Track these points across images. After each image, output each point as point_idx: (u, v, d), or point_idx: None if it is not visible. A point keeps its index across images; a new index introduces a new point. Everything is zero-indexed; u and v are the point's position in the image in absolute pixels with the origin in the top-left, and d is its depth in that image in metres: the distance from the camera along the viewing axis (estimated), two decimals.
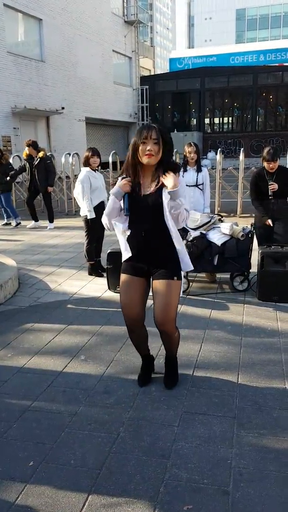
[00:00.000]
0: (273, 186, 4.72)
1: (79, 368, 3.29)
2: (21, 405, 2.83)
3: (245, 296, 4.75)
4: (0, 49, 17.34)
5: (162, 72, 51.00)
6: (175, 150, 9.58)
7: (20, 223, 9.56)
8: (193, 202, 5.33)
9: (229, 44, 52.23)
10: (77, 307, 4.58)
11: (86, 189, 5.35)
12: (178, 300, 2.85)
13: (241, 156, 10.30)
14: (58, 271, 5.91)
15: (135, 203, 2.68)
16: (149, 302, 2.93)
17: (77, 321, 4.21)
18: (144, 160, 2.62)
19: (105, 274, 5.18)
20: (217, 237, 4.76)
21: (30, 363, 3.39)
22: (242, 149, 10.95)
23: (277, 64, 30.98)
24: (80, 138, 22.65)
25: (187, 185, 5.13)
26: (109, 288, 5.03)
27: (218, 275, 5.32)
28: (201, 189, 5.45)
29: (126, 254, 2.85)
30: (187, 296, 4.74)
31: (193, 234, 4.79)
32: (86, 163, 5.48)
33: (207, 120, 31.34)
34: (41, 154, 8.71)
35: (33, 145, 8.73)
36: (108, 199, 2.86)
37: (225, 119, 31.27)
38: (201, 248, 4.72)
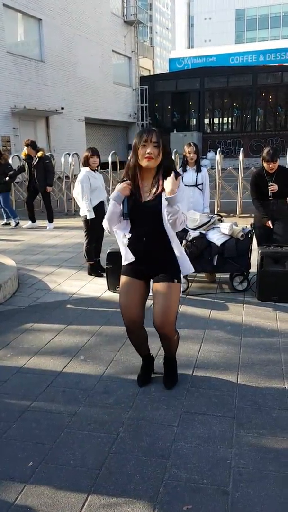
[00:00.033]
0: (273, 187, 4.72)
1: (79, 368, 3.29)
2: (20, 405, 2.83)
3: (245, 296, 4.75)
4: (0, 49, 17.33)
5: (161, 72, 50.95)
6: (174, 150, 9.68)
7: (19, 223, 9.57)
8: (192, 202, 5.34)
9: (229, 44, 52.28)
10: (76, 307, 4.58)
11: (86, 189, 5.35)
12: (178, 303, 2.84)
13: (241, 156, 10.31)
14: (58, 271, 5.91)
15: (135, 208, 2.67)
16: (149, 302, 2.93)
17: (77, 321, 4.21)
18: (144, 163, 2.61)
19: (104, 274, 5.18)
20: (216, 237, 4.76)
21: (29, 363, 3.38)
22: (241, 149, 10.96)
23: (276, 64, 30.97)
24: (79, 138, 22.66)
25: (186, 185, 5.14)
26: (108, 288, 5.03)
27: (217, 275, 5.33)
28: (201, 189, 5.45)
29: (126, 259, 2.84)
30: (187, 296, 4.74)
31: (193, 234, 4.79)
32: (86, 163, 5.48)
33: (206, 120, 31.32)
34: (40, 154, 8.70)
35: (32, 145, 8.72)
36: (108, 199, 2.85)
37: (225, 119, 31.25)
38: (200, 248, 4.72)
